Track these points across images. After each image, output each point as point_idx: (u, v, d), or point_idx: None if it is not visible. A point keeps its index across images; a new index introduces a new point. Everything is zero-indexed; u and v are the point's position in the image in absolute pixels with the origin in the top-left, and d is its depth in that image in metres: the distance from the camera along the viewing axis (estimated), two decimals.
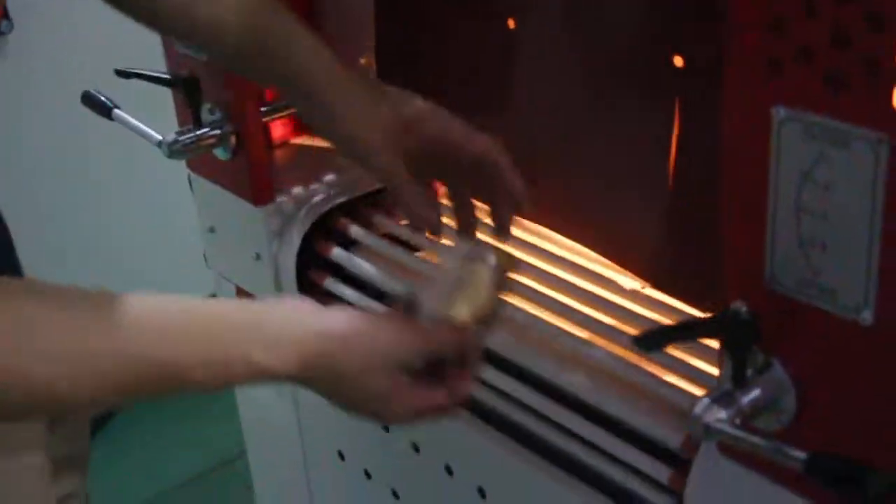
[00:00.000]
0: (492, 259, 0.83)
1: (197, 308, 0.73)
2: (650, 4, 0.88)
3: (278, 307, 0.76)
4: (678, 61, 0.88)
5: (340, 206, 1.16)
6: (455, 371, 0.78)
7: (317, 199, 1.16)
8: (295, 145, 1.28)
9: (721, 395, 0.68)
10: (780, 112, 0.63)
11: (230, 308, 0.77)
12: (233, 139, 1.11)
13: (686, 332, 0.69)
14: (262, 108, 1.15)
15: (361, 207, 1.17)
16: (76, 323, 0.67)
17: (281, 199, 1.15)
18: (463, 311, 0.80)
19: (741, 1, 0.63)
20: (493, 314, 0.83)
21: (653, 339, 0.68)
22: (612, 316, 0.94)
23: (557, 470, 0.91)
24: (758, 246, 0.67)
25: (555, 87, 1.00)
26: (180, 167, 1.26)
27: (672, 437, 0.84)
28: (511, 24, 0.99)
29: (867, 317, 0.63)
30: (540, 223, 1.07)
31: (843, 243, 0.63)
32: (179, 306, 0.72)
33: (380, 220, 1.15)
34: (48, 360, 0.65)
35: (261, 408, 1.33)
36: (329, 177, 1.19)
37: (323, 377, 0.74)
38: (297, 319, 0.75)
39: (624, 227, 0.97)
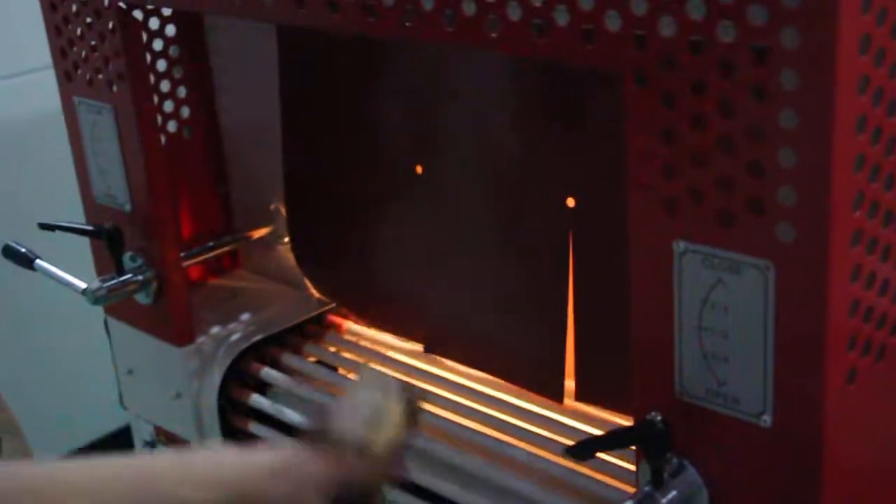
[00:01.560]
0: (400, 389, 0.87)
1: (130, 464, 0.83)
2: (546, 154, 0.99)
3: (203, 451, 0.85)
4: (570, 202, 0.98)
5: (258, 343, 1.22)
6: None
7: (234, 337, 1.22)
8: (209, 286, 1.34)
9: (643, 497, 0.76)
10: (679, 245, 0.73)
11: (158, 460, 0.87)
12: (154, 284, 1.16)
13: (611, 441, 0.77)
14: (181, 254, 1.21)
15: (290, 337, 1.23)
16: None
17: (200, 339, 1.21)
18: (378, 441, 0.84)
19: (638, 152, 0.73)
20: (404, 444, 0.87)
21: (584, 449, 0.76)
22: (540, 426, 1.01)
23: None
24: (667, 362, 0.76)
25: (460, 225, 1.09)
26: (91, 313, 1.30)
27: None
28: (419, 169, 1.09)
29: (767, 420, 0.72)
30: (452, 359, 1.15)
31: (742, 357, 0.72)
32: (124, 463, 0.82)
33: (305, 351, 1.22)
34: None
35: None
36: (245, 315, 1.25)
37: None
38: (220, 460, 0.83)
39: (529, 353, 1.05)
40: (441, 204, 1.09)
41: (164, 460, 0.86)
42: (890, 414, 0.76)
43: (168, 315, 1.18)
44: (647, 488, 0.77)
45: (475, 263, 1.09)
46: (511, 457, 1.00)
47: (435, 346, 1.16)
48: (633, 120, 0.73)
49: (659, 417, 0.76)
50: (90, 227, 1.15)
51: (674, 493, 0.77)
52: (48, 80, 1.20)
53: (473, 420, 1.05)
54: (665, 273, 0.74)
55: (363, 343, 1.23)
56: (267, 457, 0.82)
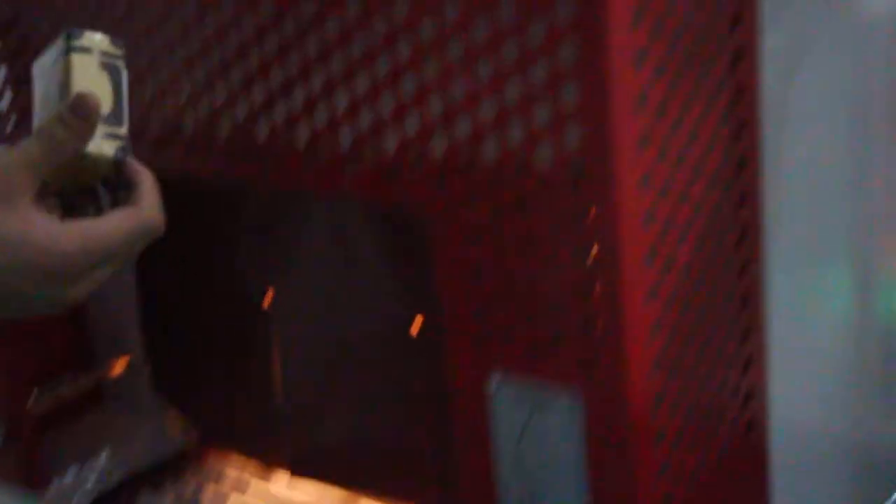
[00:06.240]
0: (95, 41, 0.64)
1: None
2: (388, 287, 1.01)
3: None
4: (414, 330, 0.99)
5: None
6: None
7: (90, 485, 1.19)
8: (62, 425, 1.30)
9: None
10: (496, 378, 0.74)
11: None
12: (2, 432, 1.13)
13: None
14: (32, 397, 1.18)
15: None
16: None
17: (57, 481, 1.17)
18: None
19: (452, 295, 0.75)
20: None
21: None
22: None
23: None
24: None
25: (307, 352, 1.10)
26: None
27: None
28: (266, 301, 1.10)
29: None
30: (319, 480, 1.14)
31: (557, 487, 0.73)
32: None
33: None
34: None
35: None
36: (104, 454, 1.23)
37: None
38: None
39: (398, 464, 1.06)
40: (288, 334, 1.11)
41: None
42: None
43: (20, 460, 1.14)
44: None
45: (327, 387, 1.09)
46: None
47: (300, 470, 1.15)
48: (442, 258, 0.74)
49: None
50: None
51: None
52: None
53: None
54: (480, 406, 0.75)
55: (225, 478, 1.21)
56: None
